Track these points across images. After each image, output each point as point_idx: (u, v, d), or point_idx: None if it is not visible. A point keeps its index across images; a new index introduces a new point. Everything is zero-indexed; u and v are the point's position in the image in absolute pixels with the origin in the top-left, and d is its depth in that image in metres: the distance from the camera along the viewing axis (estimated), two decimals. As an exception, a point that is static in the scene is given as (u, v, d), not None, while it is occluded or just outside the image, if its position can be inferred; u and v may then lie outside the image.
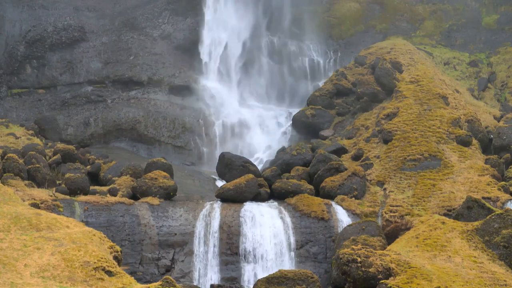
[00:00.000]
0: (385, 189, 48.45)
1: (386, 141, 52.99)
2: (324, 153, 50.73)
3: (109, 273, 31.14)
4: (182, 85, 67.03)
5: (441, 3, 76.59)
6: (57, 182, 46.48)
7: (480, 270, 36.37)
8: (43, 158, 48.22)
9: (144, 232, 43.24)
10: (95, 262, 31.22)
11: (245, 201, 46.20)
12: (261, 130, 66.21)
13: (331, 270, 40.25)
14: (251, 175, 47.65)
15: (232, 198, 46.23)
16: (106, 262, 31.60)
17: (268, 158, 59.56)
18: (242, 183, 46.72)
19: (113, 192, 45.57)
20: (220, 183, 52.87)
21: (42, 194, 42.83)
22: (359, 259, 35.92)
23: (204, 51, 69.59)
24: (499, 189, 46.45)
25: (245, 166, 50.54)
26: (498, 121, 58.49)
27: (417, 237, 39.89)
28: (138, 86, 66.48)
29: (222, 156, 52.57)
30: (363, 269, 35.63)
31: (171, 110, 65.17)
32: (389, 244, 41.78)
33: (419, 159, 49.87)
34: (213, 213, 44.61)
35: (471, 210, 42.26)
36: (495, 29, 73.17)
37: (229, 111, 66.59)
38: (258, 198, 47.25)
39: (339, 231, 44.11)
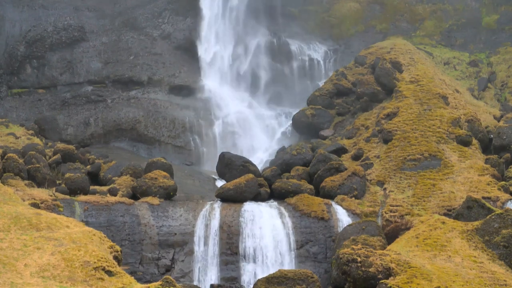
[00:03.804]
0: (385, 189, 48.42)
1: (386, 141, 52.96)
2: (324, 153, 50.70)
3: (109, 273, 31.12)
4: (182, 85, 67.03)
5: (441, 3, 76.60)
6: (57, 182, 46.45)
7: (480, 270, 36.36)
8: (43, 158, 48.20)
9: (144, 232, 43.22)
10: (95, 262, 31.21)
11: (245, 201, 46.14)
12: (261, 130, 66.18)
13: (331, 270, 40.23)
14: (251, 175, 47.61)
15: (232, 198, 46.19)
16: (106, 262, 31.59)
17: (268, 158, 59.54)
18: (242, 183, 46.68)
19: (113, 192, 45.55)
20: (220, 183, 52.81)
21: (42, 194, 42.79)
22: (359, 259, 35.90)
23: (204, 51, 69.60)
24: (499, 189, 46.43)
25: (245, 166, 50.48)
26: (498, 121, 58.45)
27: (417, 237, 39.87)
28: (138, 86, 66.47)
29: (222, 156, 52.51)
30: (363, 269, 35.61)
31: (171, 110, 65.16)
32: (389, 244, 41.74)
33: (419, 159, 49.85)
34: (213, 213, 44.58)
35: (471, 210, 42.23)
36: (495, 29, 73.18)
37: (229, 111, 66.58)
38: (258, 198, 47.20)
39: (339, 231, 44.07)
